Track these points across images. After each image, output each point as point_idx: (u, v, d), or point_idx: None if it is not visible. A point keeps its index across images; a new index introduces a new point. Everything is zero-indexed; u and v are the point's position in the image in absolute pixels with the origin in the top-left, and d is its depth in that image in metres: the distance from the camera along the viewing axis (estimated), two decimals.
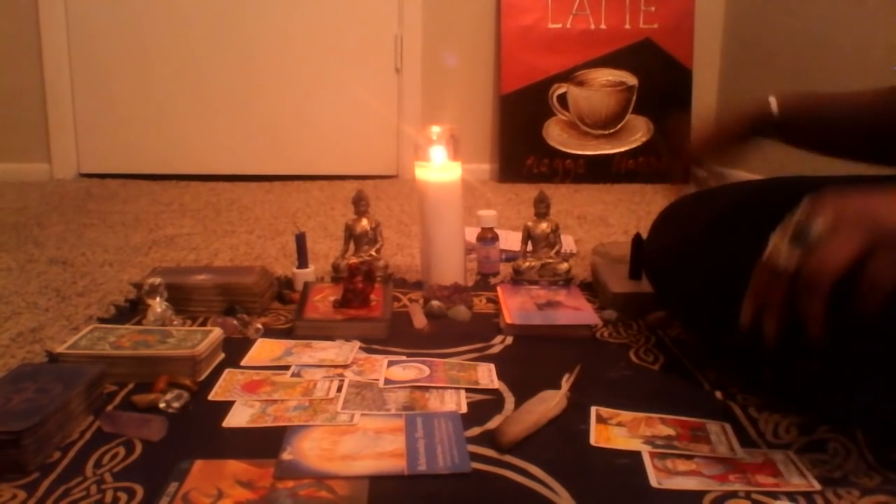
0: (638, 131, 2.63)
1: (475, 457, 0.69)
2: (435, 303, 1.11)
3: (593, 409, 0.78)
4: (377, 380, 0.86)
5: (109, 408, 0.79)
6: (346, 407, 0.79)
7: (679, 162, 1.01)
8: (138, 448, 0.70)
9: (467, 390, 0.83)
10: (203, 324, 1.06)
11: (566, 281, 1.22)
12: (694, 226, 0.90)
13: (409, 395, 0.82)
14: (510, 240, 1.47)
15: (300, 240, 1.25)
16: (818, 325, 0.60)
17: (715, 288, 0.82)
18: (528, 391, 0.81)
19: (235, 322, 1.03)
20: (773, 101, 0.94)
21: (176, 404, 0.78)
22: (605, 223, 1.88)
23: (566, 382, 0.83)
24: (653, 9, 2.58)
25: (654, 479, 0.65)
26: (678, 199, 1.02)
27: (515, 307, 1.08)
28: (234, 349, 0.95)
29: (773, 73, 2.38)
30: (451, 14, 2.62)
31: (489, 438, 0.72)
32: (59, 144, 2.57)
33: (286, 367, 0.89)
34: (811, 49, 2.17)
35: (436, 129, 1.21)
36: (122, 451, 0.70)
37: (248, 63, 2.59)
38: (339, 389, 0.83)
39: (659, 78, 2.60)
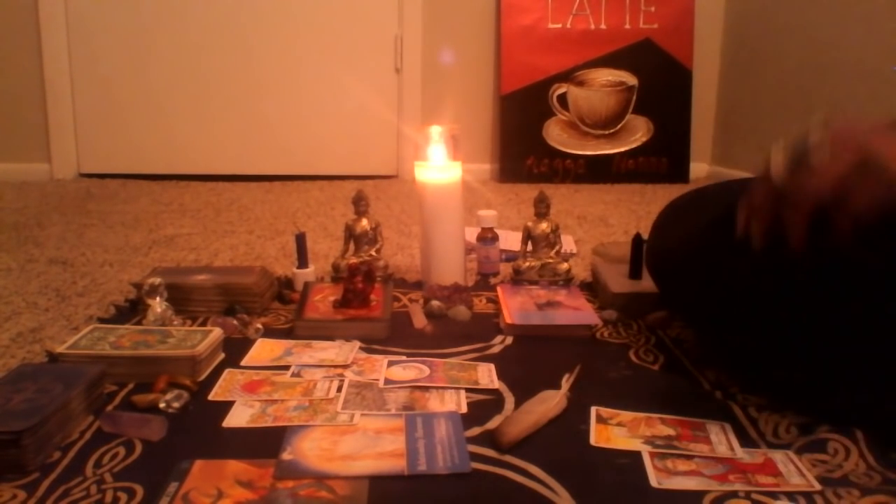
0: (638, 131, 2.63)
1: (475, 457, 0.69)
2: (435, 303, 1.11)
3: (593, 409, 0.78)
4: (377, 380, 0.86)
5: (109, 408, 0.79)
6: (346, 407, 0.79)
7: None
8: (138, 448, 0.70)
9: (467, 390, 0.83)
10: (203, 324, 1.06)
11: (566, 281, 1.22)
12: (698, 223, 0.89)
13: (409, 395, 0.82)
14: (510, 240, 1.47)
15: (300, 240, 1.25)
16: (800, 238, 0.65)
17: (717, 285, 0.82)
18: (528, 391, 0.81)
19: (235, 322, 1.03)
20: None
21: (176, 404, 0.78)
22: (605, 223, 1.88)
23: (566, 382, 0.83)
24: (653, 9, 2.58)
25: (654, 479, 0.65)
26: (681, 195, 1.02)
27: (515, 307, 1.08)
28: (234, 349, 0.95)
29: (773, 73, 2.39)
30: (451, 14, 2.62)
31: (489, 438, 0.72)
32: (59, 144, 2.57)
33: (286, 367, 0.89)
34: (811, 49, 2.17)
35: (436, 129, 1.21)
36: (122, 451, 0.70)
37: (248, 63, 2.59)
38: (339, 389, 0.83)
39: (659, 78, 2.60)
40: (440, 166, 1.20)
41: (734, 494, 0.63)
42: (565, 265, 1.23)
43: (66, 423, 0.72)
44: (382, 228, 1.32)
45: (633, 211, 2.06)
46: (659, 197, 2.26)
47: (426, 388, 0.84)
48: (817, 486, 0.64)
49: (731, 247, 0.80)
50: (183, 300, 1.09)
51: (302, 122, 2.63)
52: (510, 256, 1.39)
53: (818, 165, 0.63)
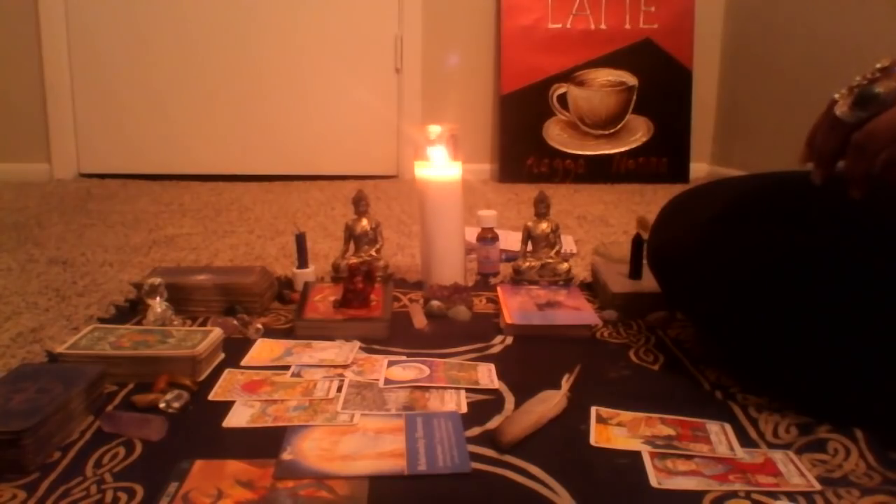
0: (638, 131, 2.63)
1: (475, 457, 0.69)
2: (435, 303, 1.11)
3: (593, 409, 0.78)
4: (377, 380, 0.86)
5: (109, 408, 0.79)
6: (346, 407, 0.79)
7: None
8: (138, 448, 0.70)
9: (467, 390, 0.83)
10: (203, 324, 1.06)
11: (566, 281, 1.22)
12: (702, 218, 0.89)
13: (409, 395, 0.82)
14: (510, 240, 1.47)
15: (300, 240, 1.25)
16: (861, 185, 0.64)
17: (721, 281, 0.82)
18: (528, 391, 0.81)
19: (235, 322, 1.03)
20: None
21: (176, 404, 0.78)
22: (605, 223, 1.88)
23: (566, 382, 0.83)
24: (653, 9, 2.58)
25: (654, 479, 0.65)
26: (685, 190, 1.02)
27: (515, 307, 1.08)
28: (234, 349, 0.95)
29: (773, 73, 2.39)
30: (451, 14, 2.62)
31: (489, 438, 0.72)
32: (59, 144, 2.57)
33: (286, 367, 0.89)
34: (811, 49, 2.17)
35: (436, 129, 1.21)
36: (122, 451, 0.70)
37: (248, 63, 2.59)
38: (339, 389, 0.83)
39: (659, 78, 2.60)
40: (440, 166, 1.20)
41: (734, 494, 0.63)
42: (565, 265, 1.23)
43: (66, 423, 0.72)
44: (382, 228, 1.32)
45: (633, 211, 2.06)
46: (659, 197, 2.26)
47: (426, 388, 0.84)
48: (817, 486, 0.64)
49: (738, 242, 0.81)
50: (183, 300, 1.09)
51: (302, 122, 2.63)
52: (510, 256, 1.39)
53: (886, 112, 0.61)
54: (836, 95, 0.66)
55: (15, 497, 0.62)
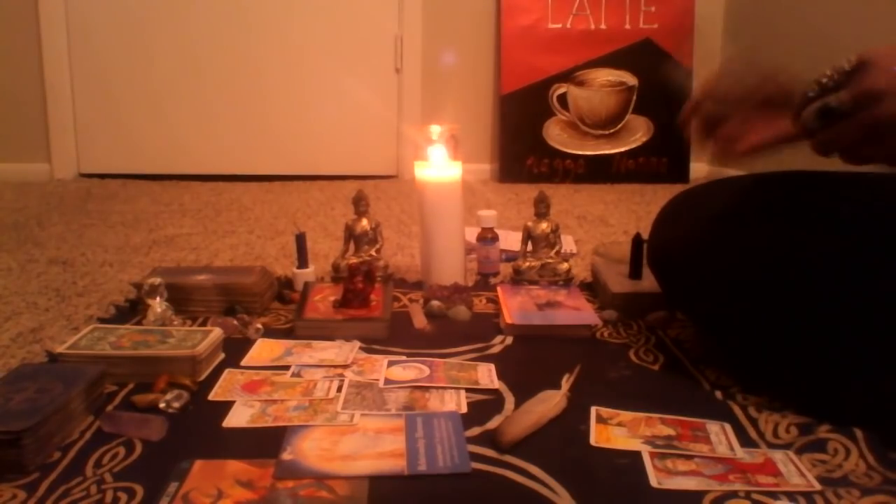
0: (638, 131, 2.63)
1: (475, 457, 0.69)
2: (435, 303, 1.11)
3: (593, 409, 0.78)
4: (377, 380, 0.86)
5: (109, 408, 0.79)
6: (346, 407, 0.79)
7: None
8: (138, 448, 0.70)
9: (467, 390, 0.83)
10: (203, 324, 1.06)
11: (566, 281, 1.22)
12: (702, 218, 0.89)
13: (409, 395, 0.82)
14: (510, 240, 1.47)
15: (300, 240, 1.25)
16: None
17: (721, 281, 0.82)
18: (528, 391, 0.81)
19: (235, 322, 1.03)
20: None
21: (176, 404, 0.78)
22: (605, 223, 1.88)
23: (566, 382, 0.83)
24: (653, 9, 2.58)
25: (654, 479, 0.65)
26: (685, 190, 1.02)
27: (515, 307, 1.08)
28: (234, 349, 0.95)
29: None
30: (451, 14, 2.62)
31: (489, 438, 0.72)
32: (59, 144, 2.57)
33: (286, 367, 0.89)
34: (811, 49, 2.17)
35: (436, 129, 1.21)
36: (122, 451, 0.70)
37: (248, 63, 2.59)
38: (339, 389, 0.83)
39: (659, 78, 2.60)
40: (440, 166, 1.20)
41: (734, 494, 0.63)
42: (565, 265, 1.23)
43: (66, 423, 0.72)
44: (382, 228, 1.32)
45: (633, 211, 2.06)
46: (659, 197, 2.26)
47: (426, 388, 0.83)
48: (817, 486, 0.64)
49: (740, 242, 0.81)
50: (183, 300, 1.09)
51: (302, 122, 2.63)
52: (510, 256, 1.39)
53: (841, 123, 0.66)
54: (811, 93, 0.70)
55: (15, 497, 0.62)
